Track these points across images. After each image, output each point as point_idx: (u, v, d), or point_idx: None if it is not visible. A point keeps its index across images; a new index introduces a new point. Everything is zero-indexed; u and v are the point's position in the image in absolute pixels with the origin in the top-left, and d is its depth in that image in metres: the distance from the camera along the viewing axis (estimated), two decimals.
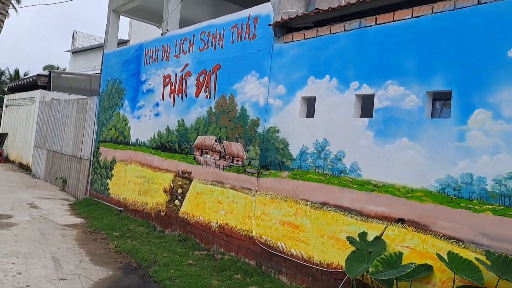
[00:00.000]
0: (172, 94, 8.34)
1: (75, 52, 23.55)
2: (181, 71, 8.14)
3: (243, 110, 6.53)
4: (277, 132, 5.89)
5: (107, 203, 10.00)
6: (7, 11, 12.21)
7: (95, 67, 21.12)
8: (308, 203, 5.29)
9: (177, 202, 7.77)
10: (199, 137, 7.44)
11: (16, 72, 56.80)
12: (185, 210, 7.53)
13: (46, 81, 17.00)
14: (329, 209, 5.03)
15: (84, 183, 11.37)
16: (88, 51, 22.64)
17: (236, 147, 6.58)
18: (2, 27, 11.81)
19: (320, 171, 5.20)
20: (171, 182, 8.00)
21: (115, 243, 7.07)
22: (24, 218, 8.52)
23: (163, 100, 8.60)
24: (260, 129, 6.18)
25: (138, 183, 9.05)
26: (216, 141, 7.04)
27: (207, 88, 7.38)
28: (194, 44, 7.84)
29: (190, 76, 7.89)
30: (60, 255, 6.24)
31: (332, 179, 5.03)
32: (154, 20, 11.64)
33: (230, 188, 6.58)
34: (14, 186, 12.50)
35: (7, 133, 19.85)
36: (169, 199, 8.00)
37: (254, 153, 6.23)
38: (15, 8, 47.57)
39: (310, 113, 5.56)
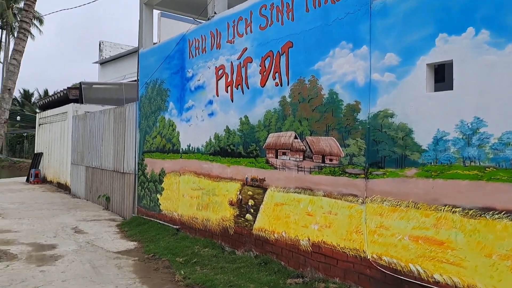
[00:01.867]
0: (229, 88, 6.98)
1: (103, 62, 22.74)
2: (238, 59, 6.78)
3: (333, 94, 5.08)
4: (391, 117, 4.40)
5: (160, 221, 8.75)
6: (31, 19, 11.23)
7: (125, 76, 20.19)
8: (457, 209, 3.77)
9: (248, 216, 6.39)
10: (271, 135, 6.05)
11: (46, 92, 57.46)
12: (260, 225, 6.14)
13: (77, 94, 16.08)
14: (496, 216, 3.50)
15: (130, 200, 10.18)
16: (116, 61, 21.75)
17: (327, 143, 5.13)
18: (27, 37, 10.83)
19: (473, 163, 3.68)
20: (238, 192, 6.63)
21: (182, 272, 5.75)
22: (70, 247, 7.34)
23: (218, 96, 7.26)
24: (362, 116, 4.72)
25: (195, 196, 7.74)
26: (296, 137, 5.62)
27: (277, 74, 5.97)
28: (253, 22, 6.45)
29: (250, 62, 6.50)
30: None
31: (498, 173, 3.51)
32: (191, 12, 10.37)
33: (324, 196, 5.14)
34: (55, 209, 11.47)
35: (42, 153, 19.11)
36: (237, 213, 6.63)
37: (355, 148, 4.77)
38: (39, 30, 47.83)
39: (443, 85, 4.05)
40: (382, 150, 4.47)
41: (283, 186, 5.78)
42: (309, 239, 5.31)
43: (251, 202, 6.35)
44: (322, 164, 5.18)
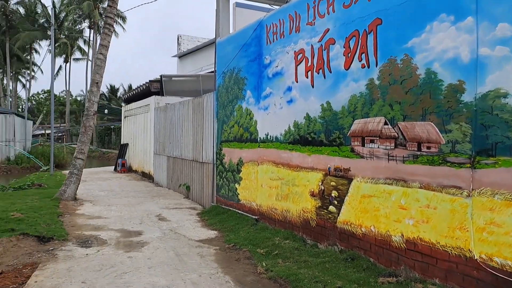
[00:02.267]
0: (309, 72, 6.64)
1: (181, 56, 23.42)
2: (319, 41, 6.40)
3: (431, 74, 4.53)
4: (504, 97, 3.79)
5: (239, 211, 8.71)
6: (115, 14, 11.70)
7: (202, 68, 20.59)
8: None
9: (332, 208, 6.04)
10: (356, 121, 5.62)
11: (130, 87, 61.08)
12: (346, 218, 5.77)
13: (158, 86, 16.67)
14: None
15: (209, 189, 10.29)
16: (193, 54, 22.26)
17: (423, 129, 4.61)
18: (112, 32, 11.33)
19: None
20: (320, 183, 6.30)
21: (264, 264, 5.58)
22: (154, 234, 7.54)
23: (297, 82, 6.95)
24: (467, 97, 4.14)
25: (274, 186, 7.54)
26: (385, 123, 5.14)
27: (363, 55, 5.51)
28: (336, 1, 6.02)
29: (333, 44, 6.10)
30: (204, 286, 4.90)
31: None
32: None
33: (420, 188, 4.63)
34: (140, 197, 11.99)
35: (127, 144, 20.20)
36: (319, 204, 6.31)
37: (459, 133, 4.21)
38: (122, 27, 50.62)
39: None
40: (493, 136, 3.88)
41: (371, 176, 5.34)
42: (402, 235, 4.84)
43: (334, 194, 5.99)
44: (418, 153, 4.67)
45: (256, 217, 8.03)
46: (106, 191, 13.05)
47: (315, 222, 6.41)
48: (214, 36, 10.24)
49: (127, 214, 9.37)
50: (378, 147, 5.25)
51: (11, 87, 51.47)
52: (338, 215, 5.90)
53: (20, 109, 48.18)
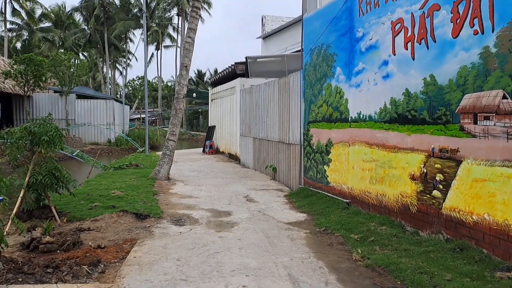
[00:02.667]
0: (409, 44, 6.02)
1: (265, 37, 23.29)
2: (420, 8, 5.75)
3: None
4: None
5: (328, 194, 8.38)
6: (200, 1, 11.80)
7: (287, 48, 20.26)
8: None
9: (436, 193, 5.46)
10: (467, 96, 4.96)
11: (215, 71, 62.82)
12: (453, 204, 5.18)
13: (243, 68, 16.73)
14: None
15: (297, 171, 10.07)
16: (277, 34, 21.98)
17: None
18: (199, 15, 11.46)
19: None
20: (422, 165, 5.73)
21: (359, 251, 5.24)
22: (243, 215, 7.53)
23: (394, 55, 6.36)
24: None
25: (367, 168, 7.08)
26: (504, 97, 4.45)
27: (475, 20, 4.81)
28: None
29: (438, 10, 5.42)
30: (297, 270, 4.71)
31: None
32: None
33: None
34: (228, 178, 12.18)
35: (214, 126, 20.73)
36: (421, 189, 5.76)
37: None
38: (208, 13, 51.84)
39: None
40: None
41: (485, 158, 4.70)
42: None
43: (439, 177, 5.41)
44: None
45: (347, 200, 7.66)
46: (196, 171, 13.49)
47: (415, 207, 5.88)
48: (299, 14, 9.86)
49: (216, 194, 9.54)
50: (494, 125, 4.58)
51: (110, 75, 55.75)
52: (444, 200, 5.32)
53: (118, 95, 52.11)
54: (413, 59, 5.93)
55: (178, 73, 11.68)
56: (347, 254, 5.26)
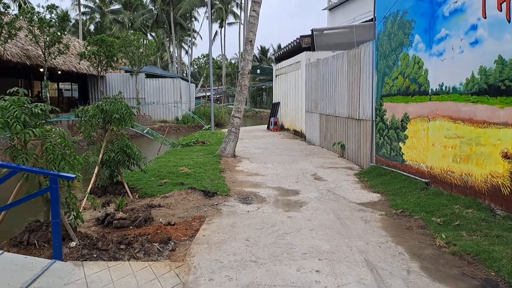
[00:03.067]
0: (504, 4, 5.24)
1: (332, 8, 22.30)
2: None
3: None
4: None
5: (404, 173, 7.82)
6: None
7: (355, 18, 19.23)
8: None
9: None
10: None
11: (279, 47, 62.02)
12: None
13: (309, 41, 16.14)
14: None
15: (367, 148, 9.54)
16: (344, 4, 20.92)
17: None
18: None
19: None
20: None
21: (443, 236, 4.76)
22: (312, 194, 7.25)
23: (485, 18, 5.60)
24: None
25: (450, 145, 6.44)
26: None
27: None
28: None
29: None
30: (374, 256, 4.37)
31: None
32: None
33: None
34: (294, 155, 11.91)
35: (279, 102, 20.42)
36: None
37: None
38: None
39: None
40: None
41: None
42: None
43: None
44: None
45: (426, 180, 7.07)
46: (261, 148, 13.36)
47: (508, 189, 5.23)
48: None
49: (282, 172, 9.32)
50: None
51: (176, 54, 57.16)
52: None
53: (184, 74, 53.39)
54: (509, 21, 5.16)
55: (242, 49, 11.44)
56: (429, 240, 4.80)
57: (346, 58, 11.00)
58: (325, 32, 16.07)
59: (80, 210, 6.35)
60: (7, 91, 4.32)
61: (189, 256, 4.42)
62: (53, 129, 4.10)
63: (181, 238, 5.05)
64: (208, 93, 59.36)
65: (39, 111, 4.18)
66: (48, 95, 23.05)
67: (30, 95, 26.86)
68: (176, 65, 54.69)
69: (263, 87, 48.56)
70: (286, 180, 8.46)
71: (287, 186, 7.96)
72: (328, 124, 12.85)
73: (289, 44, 18.73)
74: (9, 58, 17.17)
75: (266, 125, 21.69)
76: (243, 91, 11.39)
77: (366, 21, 17.56)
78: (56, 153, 4.07)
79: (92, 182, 6.81)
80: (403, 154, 7.94)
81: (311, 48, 16.09)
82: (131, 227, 5.57)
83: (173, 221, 5.75)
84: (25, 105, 4.14)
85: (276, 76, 21.39)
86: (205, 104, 40.19)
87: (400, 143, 8.04)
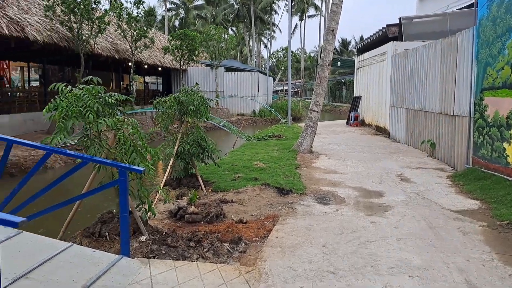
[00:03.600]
0: None
1: None
2: None
3: None
4: None
5: (508, 178, 6.78)
6: None
7: (448, 6, 17.58)
8: None
9: None
10: None
11: (361, 38, 59.77)
12: None
13: (396, 31, 15.02)
14: None
15: (463, 148, 8.49)
16: None
17: None
18: None
19: None
20: None
21: None
22: (398, 197, 6.53)
23: None
24: None
25: None
26: None
27: None
28: None
29: None
30: (477, 277, 3.66)
31: None
32: None
33: None
34: (376, 153, 11.09)
35: (360, 96, 19.42)
36: None
37: None
38: None
39: None
40: None
41: None
42: None
43: None
44: None
45: None
46: (340, 144, 12.67)
47: None
48: None
49: (364, 171, 8.64)
50: None
51: (255, 48, 57.59)
52: None
53: (262, 68, 53.60)
54: None
55: (323, 39, 10.84)
56: None
57: (439, 48, 9.92)
58: (414, 20, 14.84)
59: (156, 202, 6.34)
60: (83, 80, 4.28)
61: (260, 260, 4.06)
62: (126, 120, 3.96)
63: (253, 239, 4.71)
64: (285, 87, 59.07)
65: (113, 101, 4.07)
66: (134, 88, 24.23)
67: (120, 87, 28.54)
68: (255, 59, 55.05)
69: (343, 80, 47.07)
70: (368, 180, 7.79)
71: (369, 186, 7.30)
72: (416, 120, 11.79)
73: (373, 34, 17.66)
74: (100, 51, 18.21)
75: (346, 120, 20.79)
76: (322, 84, 10.80)
77: (461, 8, 15.95)
78: (128, 144, 3.93)
79: (167, 173, 6.76)
80: (507, 156, 6.88)
81: (398, 38, 14.96)
82: (202, 222, 5.37)
83: (245, 219, 5.45)
84: (100, 95, 4.05)
85: (358, 68, 20.37)
86: (282, 98, 39.90)
87: (504, 143, 6.98)
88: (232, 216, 5.58)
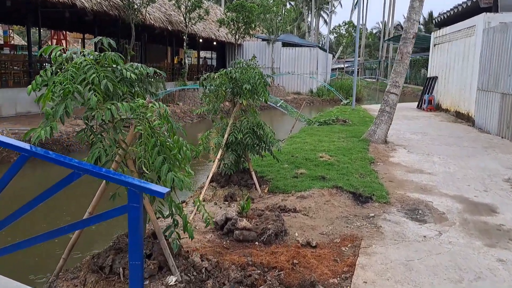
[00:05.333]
0: None
1: None
2: None
3: None
4: None
5: None
6: None
7: None
8: None
9: None
10: None
11: (430, 14, 55.23)
12: None
13: (490, 1, 12.57)
14: None
15: None
16: None
17: None
18: None
19: None
20: None
21: None
22: None
23: None
24: None
25: None
26: None
27: None
28: None
29: None
30: None
31: None
32: None
33: None
34: (466, 146, 9.15)
35: (436, 77, 17.07)
36: None
37: None
38: None
39: None
40: None
41: None
42: None
43: None
44: None
45: None
46: (418, 133, 10.77)
47: None
48: None
49: (458, 172, 6.88)
50: None
51: (314, 24, 54.85)
52: None
53: (321, 44, 50.97)
54: None
55: (408, 6, 8.93)
56: None
57: None
58: None
59: (200, 203, 5.05)
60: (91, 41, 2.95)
61: None
62: (150, 105, 2.62)
63: (329, 281, 3.28)
64: (341, 65, 56.13)
65: (134, 76, 2.72)
66: (187, 62, 23.23)
67: (173, 62, 27.70)
68: (313, 35, 52.48)
69: (412, 58, 43.46)
70: (467, 185, 6.06)
71: (472, 195, 5.59)
72: None
73: (457, 5, 15.18)
74: (152, 22, 17.19)
75: (416, 103, 18.54)
76: (404, 61, 8.95)
77: None
78: (152, 142, 2.59)
79: (213, 168, 5.42)
80: None
81: (492, 8, 12.54)
82: (256, 242, 4.02)
83: (314, 241, 4.02)
84: (114, 66, 2.72)
85: (434, 45, 17.91)
86: (342, 77, 37.50)
87: None
88: (296, 234, 4.19)
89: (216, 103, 5.55)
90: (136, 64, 2.84)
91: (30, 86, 2.51)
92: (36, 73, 15.72)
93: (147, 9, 16.59)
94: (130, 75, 2.68)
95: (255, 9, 23.23)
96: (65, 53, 2.68)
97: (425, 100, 16.85)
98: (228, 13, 23.04)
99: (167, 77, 21.76)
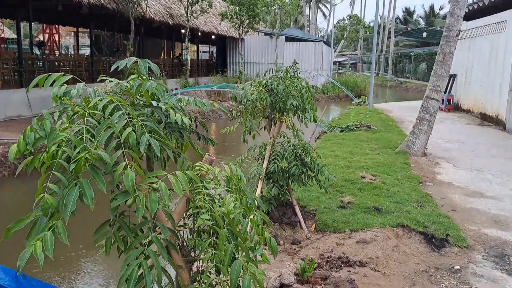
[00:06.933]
0: None
1: None
2: None
3: None
4: None
5: None
6: None
7: None
8: None
9: None
10: None
11: (431, 8, 54.25)
12: None
13: None
14: None
15: None
16: None
17: None
18: None
19: None
20: None
21: None
22: None
23: None
24: None
25: None
26: None
27: None
28: None
29: None
30: None
31: None
32: None
33: None
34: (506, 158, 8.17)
35: (455, 75, 16.08)
36: None
37: None
38: None
39: None
40: None
41: None
42: None
43: None
44: None
45: None
46: (453, 141, 9.76)
47: None
48: None
49: None
50: None
51: (312, 17, 53.57)
52: None
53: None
54: None
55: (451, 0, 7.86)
56: None
57: None
58: None
59: None
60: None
61: None
62: (213, 168, 1.56)
63: None
64: (340, 59, 54.95)
65: (187, 121, 1.66)
66: (188, 57, 22.04)
67: (172, 57, 26.46)
68: (308, 29, 51.23)
69: (412, 53, 42.51)
70: None
71: None
72: None
73: None
74: (152, 16, 15.99)
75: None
76: (446, 62, 7.91)
77: None
78: (224, 236, 1.54)
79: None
80: None
81: None
82: None
83: None
84: (154, 105, 1.65)
85: None
86: (347, 73, 36.41)
87: None
88: None
89: (251, 120, 4.49)
90: (182, 96, 1.77)
91: (14, 146, 1.44)
92: (28, 72, 14.55)
93: (147, 2, 15.39)
94: (182, 120, 1.62)
95: (260, 1, 22.04)
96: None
97: (444, 99, 15.85)
98: (231, 6, 21.82)
99: (167, 73, 20.59)
